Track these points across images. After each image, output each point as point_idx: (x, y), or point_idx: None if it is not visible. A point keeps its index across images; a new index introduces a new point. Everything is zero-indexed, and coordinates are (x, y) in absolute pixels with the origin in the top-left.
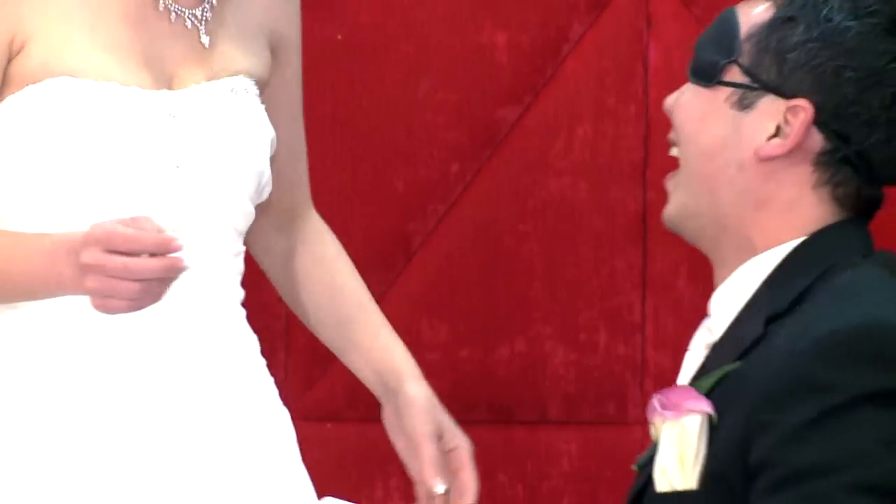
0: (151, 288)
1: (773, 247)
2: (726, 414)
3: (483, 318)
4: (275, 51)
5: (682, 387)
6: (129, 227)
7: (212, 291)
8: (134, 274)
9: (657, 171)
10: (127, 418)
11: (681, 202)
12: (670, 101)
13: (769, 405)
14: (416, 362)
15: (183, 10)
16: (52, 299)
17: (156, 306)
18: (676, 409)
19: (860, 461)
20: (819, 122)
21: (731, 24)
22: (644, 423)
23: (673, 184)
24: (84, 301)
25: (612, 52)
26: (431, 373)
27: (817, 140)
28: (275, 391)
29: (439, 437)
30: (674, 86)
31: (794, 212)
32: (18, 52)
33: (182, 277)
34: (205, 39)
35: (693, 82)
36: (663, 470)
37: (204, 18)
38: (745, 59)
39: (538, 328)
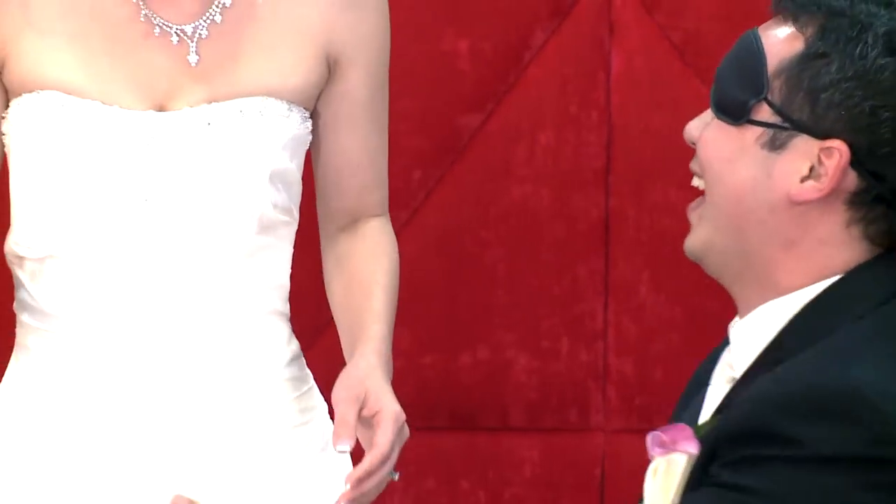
0: None
1: (798, 287)
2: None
3: (446, 325)
4: (335, 61)
5: (680, 425)
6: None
7: (212, 313)
8: None
9: (619, 178)
10: (142, 421)
11: (707, 236)
12: (694, 130)
13: (726, 445)
14: (387, 354)
15: (170, 25)
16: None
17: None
18: (668, 445)
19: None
20: (854, 162)
21: (757, 57)
22: (606, 430)
23: (697, 215)
24: (104, 318)
25: (574, 59)
26: (394, 380)
27: (851, 180)
28: (294, 390)
29: (364, 402)
30: (636, 93)
31: (824, 251)
32: (3, 66)
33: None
34: (192, 58)
35: (719, 118)
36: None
37: (197, 35)
38: (775, 96)
39: (500, 335)
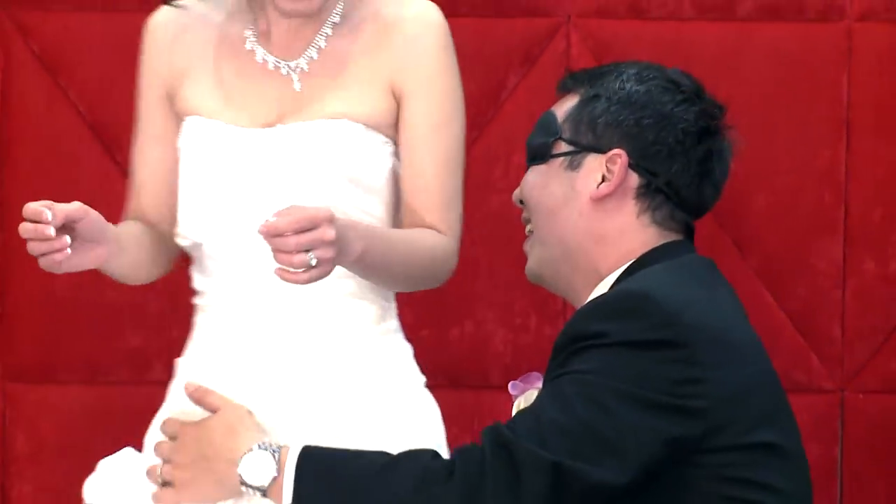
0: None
1: (613, 271)
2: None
3: (440, 306)
4: (399, 95)
5: (534, 372)
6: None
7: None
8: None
9: None
10: (268, 373)
11: (538, 256)
12: (517, 192)
13: (554, 356)
14: (364, 231)
15: (280, 61)
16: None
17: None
18: (521, 389)
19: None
20: (632, 164)
21: (551, 116)
22: None
23: (528, 245)
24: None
25: (540, 97)
26: None
27: (634, 178)
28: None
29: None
30: None
31: (625, 239)
32: (172, 97)
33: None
34: (297, 86)
35: (531, 165)
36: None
37: (299, 68)
38: (566, 133)
39: (483, 314)
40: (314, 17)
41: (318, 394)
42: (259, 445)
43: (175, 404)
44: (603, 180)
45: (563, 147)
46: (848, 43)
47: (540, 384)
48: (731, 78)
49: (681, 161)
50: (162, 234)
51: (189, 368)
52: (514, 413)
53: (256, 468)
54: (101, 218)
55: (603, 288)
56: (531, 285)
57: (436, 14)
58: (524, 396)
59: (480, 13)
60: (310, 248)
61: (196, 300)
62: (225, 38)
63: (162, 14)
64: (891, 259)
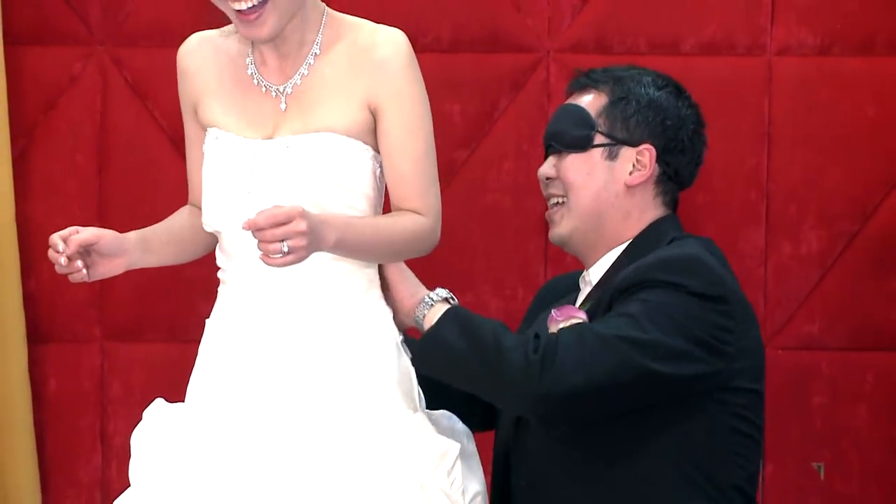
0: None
1: (629, 239)
2: (597, 315)
3: (445, 281)
4: (374, 111)
5: (570, 305)
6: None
7: (302, 271)
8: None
9: None
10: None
11: (571, 225)
12: (547, 170)
13: (619, 295)
14: (340, 223)
15: (270, 85)
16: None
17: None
18: (566, 316)
19: (658, 319)
20: (657, 157)
21: (581, 111)
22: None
23: (558, 214)
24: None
25: (526, 116)
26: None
27: (656, 168)
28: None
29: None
30: None
31: (645, 215)
32: (196, 110)
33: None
34: (282, 106)
35: (570, 152)
36: (562, 329)
37: (286, 91)
38: (603, 128)
39: (479, 287)
40: (283, 45)
41: (313, 347)
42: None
43: (205, 357)
44: (634, 169)
45: (602, 139)
46: (769, 73)
47: (581, 315)
48: None
49: (689, 154)
50: None
51: (214, 327)
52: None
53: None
54: (118, 236)
55: (616, 251)
56: (519, 264)
57: (401, 38)
58: (567, 322)
59: (478, 49)
60: (284, 238)
61: (219, 274)
62: (233, 64)
63: (188, 44)
64: (802, 243)
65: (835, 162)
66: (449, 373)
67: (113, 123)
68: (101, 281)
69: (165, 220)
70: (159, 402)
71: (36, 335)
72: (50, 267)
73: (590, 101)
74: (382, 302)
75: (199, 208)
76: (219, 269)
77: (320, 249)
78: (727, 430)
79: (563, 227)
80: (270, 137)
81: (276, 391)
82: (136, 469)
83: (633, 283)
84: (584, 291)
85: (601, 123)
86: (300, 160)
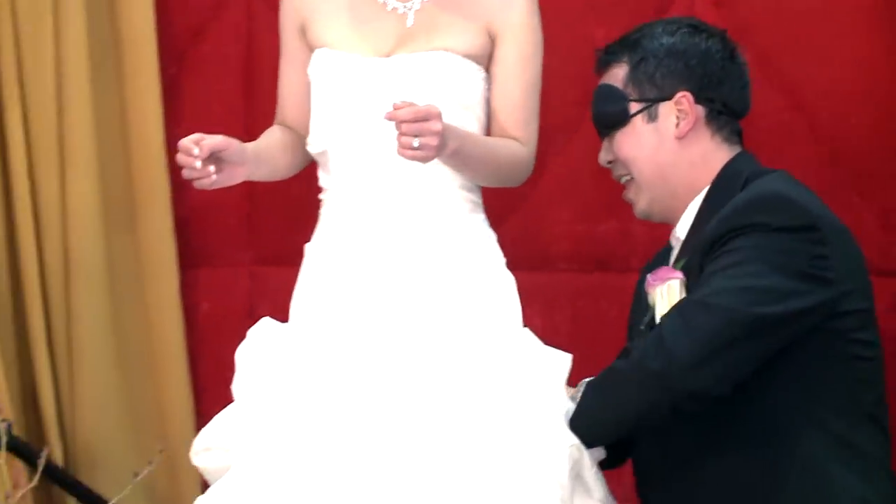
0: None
1: (706, 186)
2: (691, 274)
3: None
4: (493, 37)
5: (664, 267)
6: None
7: (417, 192)
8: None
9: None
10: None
11: (647, 199)
12: (604, 155)
13: (710, 246)
14: (464, 136)
15: (398, 2)
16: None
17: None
18: (662, 279)
19: (758, 260)
20: (696, 98)
21: (610, 88)
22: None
23: (633, 193)
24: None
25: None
26: None
27: (700, 109)
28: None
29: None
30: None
31: (709, 158)
32: (304, 32)
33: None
34: (409, 22)
35: (617, 129)
36: (663, 316)
37: (413, 7)
38: (633, 95)
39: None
40: None
41: (419, 270)
42: None
43: (310, 278)
44: (678, 120)
45: (636, 106)
46: None
47: (677, 276)
48: None
49: (727, 82)
50: (297, 137)
51: (315, 252)
52: (655, 302)
53: None
54: (242, 145)
55: (698, 201)
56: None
57: None
58: (666, 285)
59: None
60: (418, 134)
61: (321, 196)
62: None
63: None
64: None
65: None
66: (616, 429)
67: (259, 49)
68: (250, 206)
69: (261, 138)
70: (266, 321)
71: (187, 260)
72: (200, 192)
73: (615, 75)
74: (487, 224)
75: (290, 128)
76: (321, 190)
77: (441, 154)
78: (847, 359)
79: (640, 202)
80: (388, 55)
81: (385, 310)
82: (240, 385)
83: (718, 237)
84: (676, 249)
85: (630, 92)
86: (421, 78)
